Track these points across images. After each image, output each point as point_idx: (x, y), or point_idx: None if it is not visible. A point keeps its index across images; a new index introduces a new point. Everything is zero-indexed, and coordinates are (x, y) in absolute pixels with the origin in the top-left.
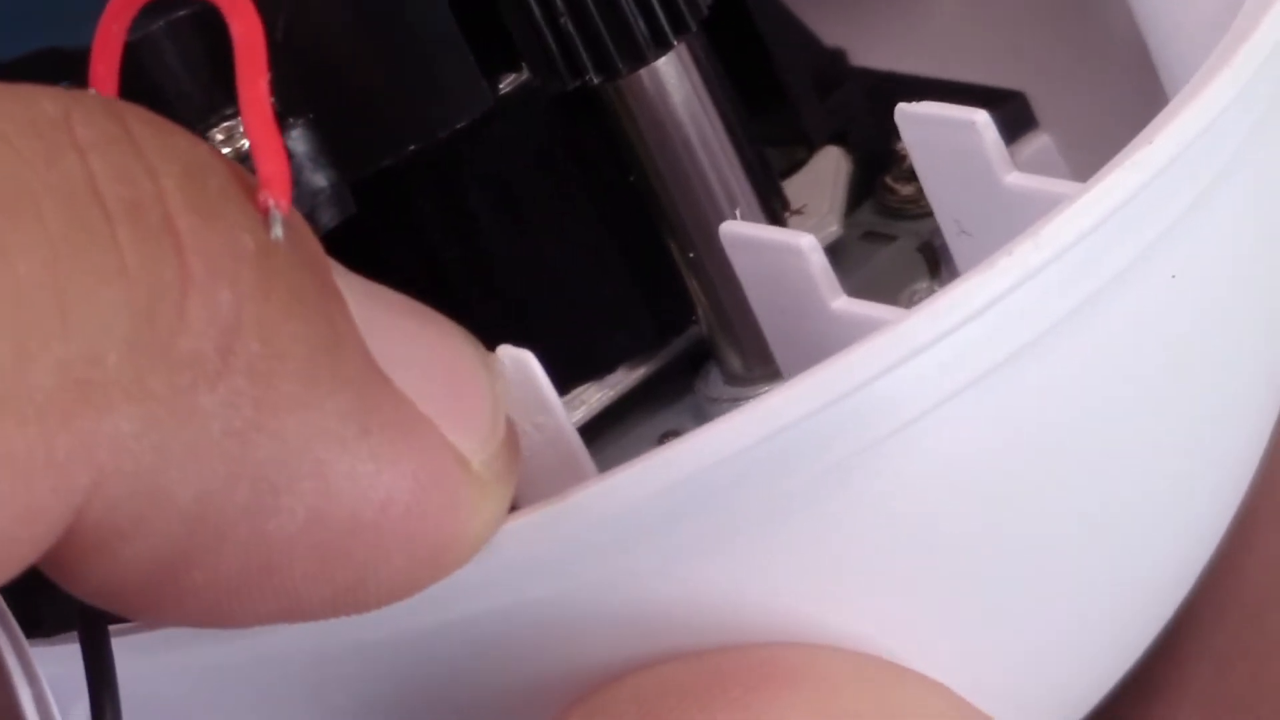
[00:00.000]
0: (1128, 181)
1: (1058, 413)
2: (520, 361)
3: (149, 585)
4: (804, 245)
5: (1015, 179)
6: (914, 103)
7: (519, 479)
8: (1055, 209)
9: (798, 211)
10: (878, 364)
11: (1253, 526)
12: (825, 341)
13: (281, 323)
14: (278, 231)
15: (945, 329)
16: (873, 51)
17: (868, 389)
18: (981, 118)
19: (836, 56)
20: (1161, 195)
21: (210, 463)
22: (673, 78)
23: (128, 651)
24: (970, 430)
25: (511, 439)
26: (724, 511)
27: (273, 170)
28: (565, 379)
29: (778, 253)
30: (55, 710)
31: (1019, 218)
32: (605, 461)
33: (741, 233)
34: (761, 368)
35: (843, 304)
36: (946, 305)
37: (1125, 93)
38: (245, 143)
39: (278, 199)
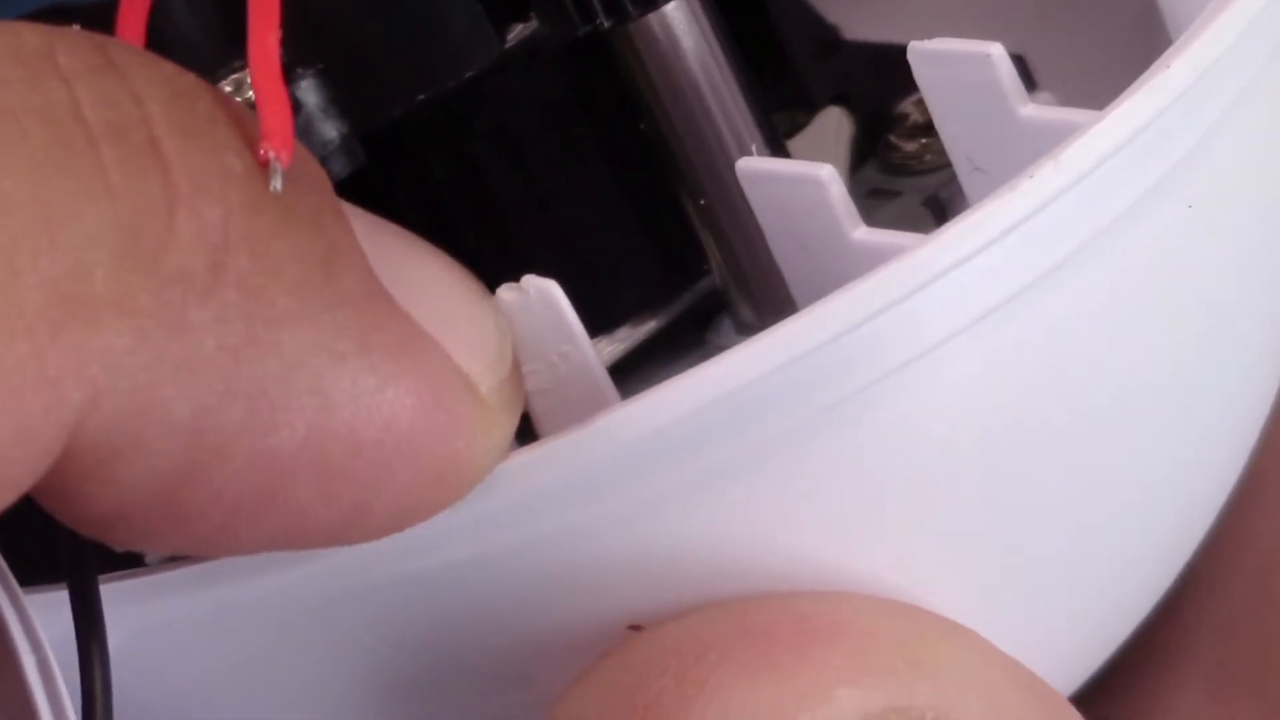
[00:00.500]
0: (1146, 106)
1: (1076, 341)
2: (545, 291)
3: (150, 508)
4: (824, 175)
5: (1031, 110)
6: (927, 40)
7: (545, 408)
8: (1073, 136)
9: None
10: (897, 289)
11: (1259, 489)
12: (847, 273)
13: (273, 238)
14: (277, 184)
15: (966, 253)
16: (871, 24)
17: (888, 314)
18: (996, 50)
19: (836, 29)
20: (1178, 122)
21: (205, 378)
22: (682, 23)
23: (125, 599)
24: (992, 358)
25: (517, 373)
26: (746, 438)
27: (276, 123)
28: None
29: (797, 184)
30: (60, 680)
31: (1035, 150)
32: None
33: (759, 168)
34: (774, 317)
35: (863, 234)
36: (967, 229)
37: (1124, 53)
38: (253, 94)
39: (279, 151)
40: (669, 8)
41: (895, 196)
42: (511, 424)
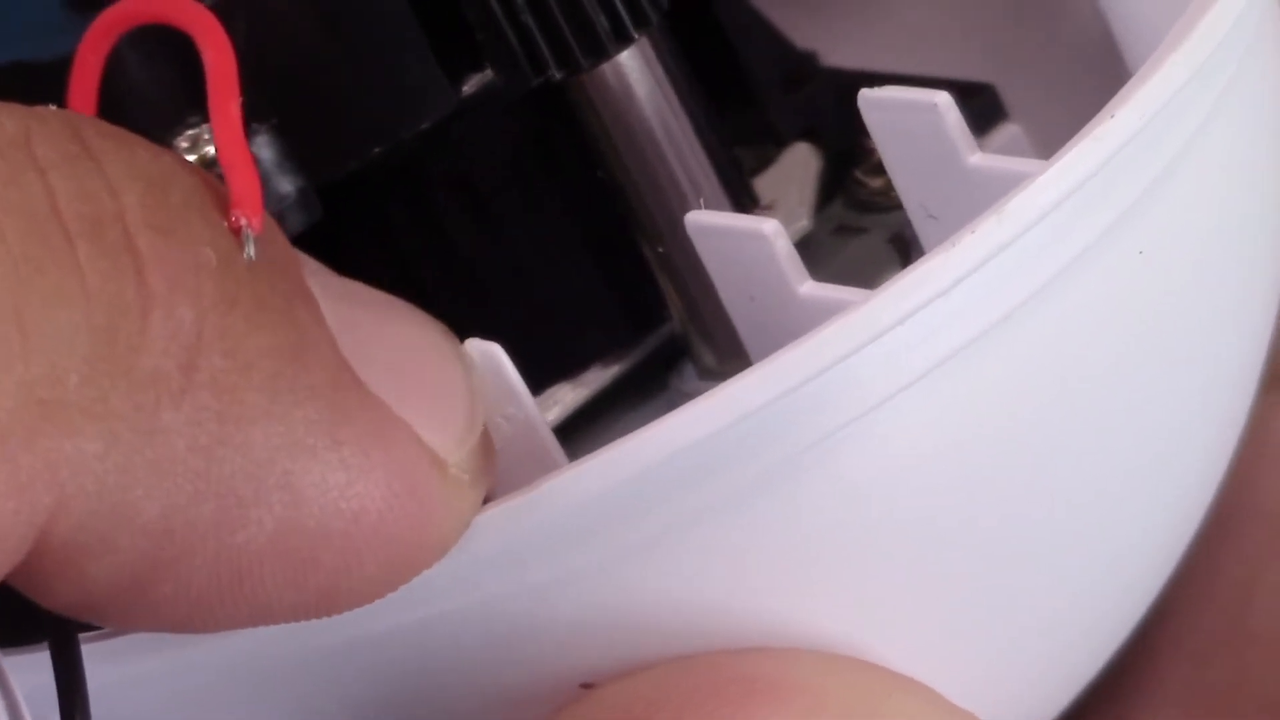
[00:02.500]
0: (1090, 155)
1: (1026, 393)
2: (488, 354)
3: (118, 598)
4: (768, 230)
5: (979, 159)
6: (877, 88)
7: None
8: (1019, 185)
9: (767, 207)
10: (842, 346)
11: (1229, 519)
12: (795, 327)
13: (246, 334)
14: (250, 251)
15: (910, 309)
16: (841, 50)
17: (833, 371)
18: (943, 99)
19: (807, 57)
20: (1125, 169)
21: (175, 479)
22: (635, 71)
23: (100, 659)
24: (938, 412)
25: (487, 437)
26: (692, 498)
27: (245, 189)
28: (539, 378)
29: (742, 239)
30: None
31: (985, 199)
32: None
33: (706, 221)
34: (735, 361)
35: (810, 288)
36: (911, 284)
37: (1092, 81)
38: (210, 149)
39: (250, 218)
40: (622, 57)
41: (861, 233)
42: (480, 492)
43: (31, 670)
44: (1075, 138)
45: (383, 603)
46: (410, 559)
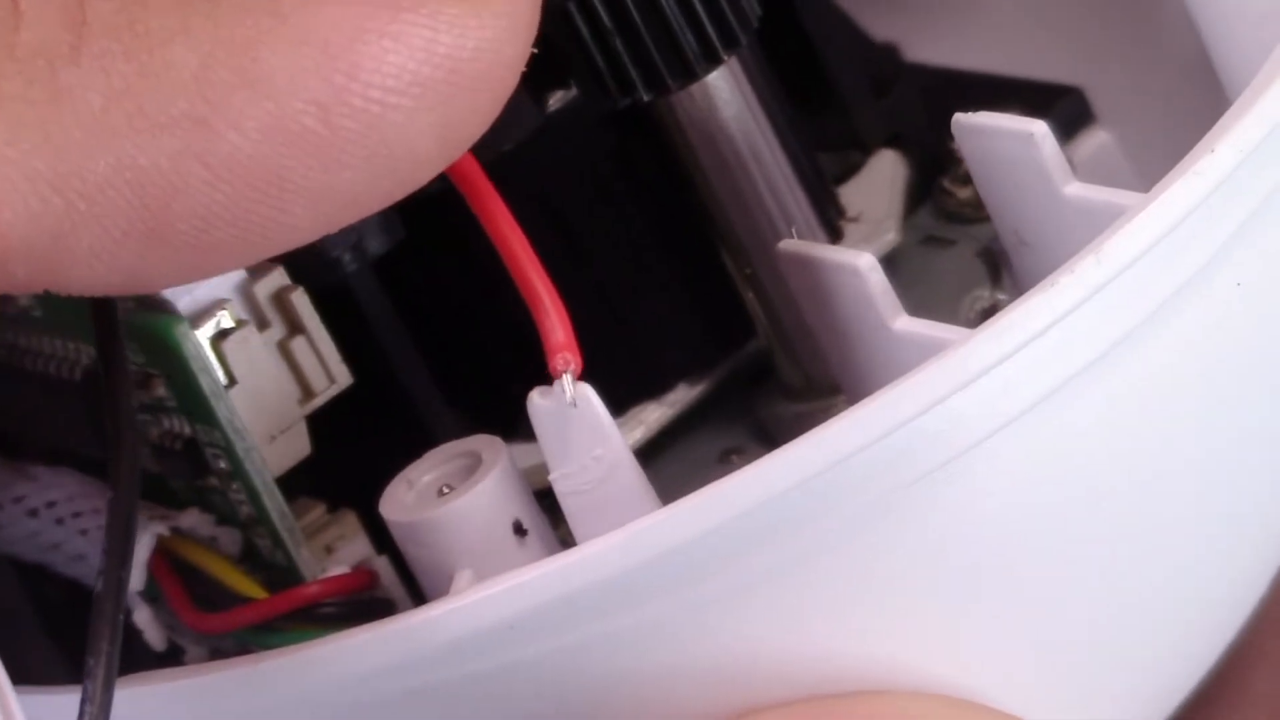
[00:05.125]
0: (1191, 192)
1: (1126, 429)
2: (580, 394)
3: (141, 254)
4: (862, 265)
5: (1075, 190)
6: (971, 112)
7: (581, 509)
8: (1117, 221)
9: (854, 219)
10: (941, 388)
11: None
12: (887, 360)
13: None
14: (571, 395)
15: (1008, 350)
16: (927, 45)
17: (930, 414)
18: (1039, 128)
19: (889, 52)
20: (1225, 203)
21: (108, 128)
22: (724, 92)
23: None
24: (1036, 450)
25: None
26: (789, 542)
27: (566, 334)
28: (623, 398)
29: (836, 272)
30: None
31: (1080, 229)
32: (666, 480)
33: (799, 251)
34: (822, 382)
35: (904, 324)
36: (1008, 326)
37: (1184, 88)
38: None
39: (576, 362)
40: (711, 78)
41: (950, 245)
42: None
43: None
44: (1174, 171)
45: (468, 644)
46: (452, 85)
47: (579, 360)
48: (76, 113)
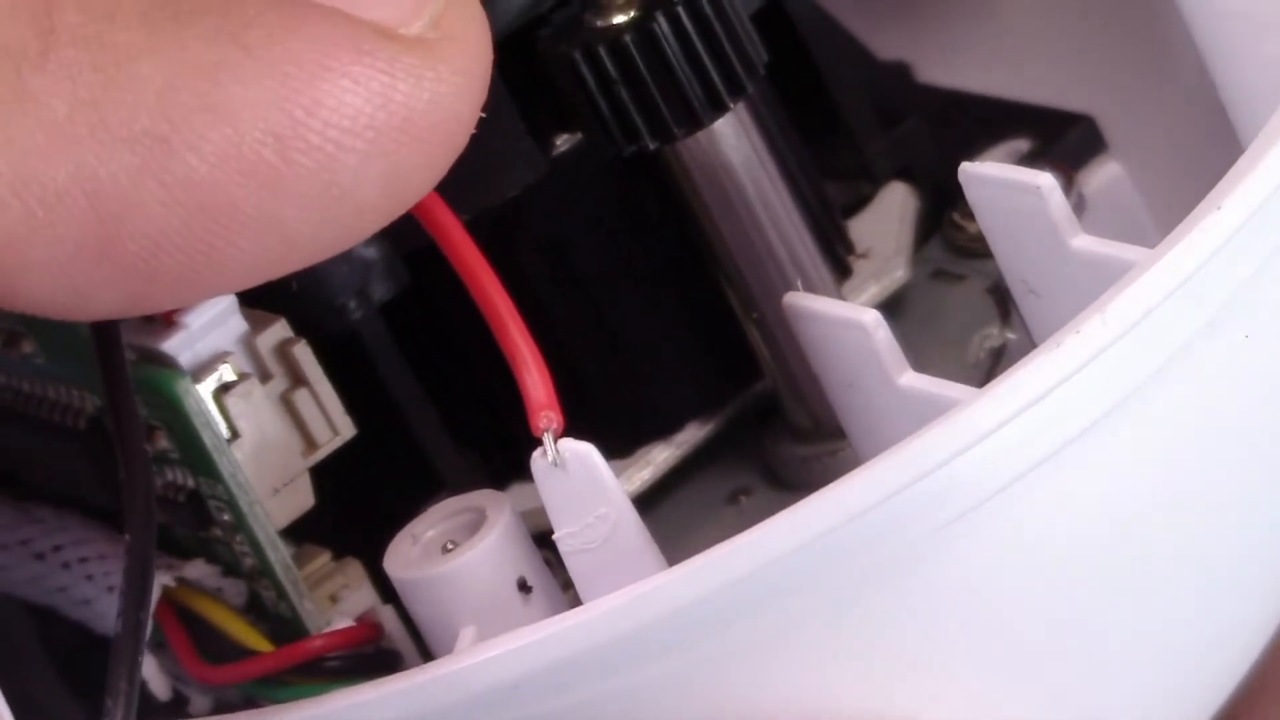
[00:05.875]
0: (1196, 249)
1: (1134, 483)
2: (581, 455)
3: (89, 271)
4: (868, 321)
5: (1082, 243)
6: (978, 162)
7: (585, 568)
8: (1123, 279)
9: (863, 255)
10: (948, 449)
11: None
12: (893, 414)
13: None
14: (554, 455)
15: (1014, 411)
16: (939, 66)
17: (937, 473)
18: (1046, 181)
19: (900, 72)
20: (1232, 259)
21: (70, 137)
22: (730, 138)
23: None
24: (1041, 508)
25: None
26: (798, 599)
27: (547, 392)
28: (631, 439)
29: (842, 327)
30: None
31: (1087, 281)
32: (675, 521)
33: (805, 305)
34: (829, 424)
35: (910, 380)
36: (1013, 387)
37: (1194, 113)
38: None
39: (558, 421)
40: (717, 124)
41: (959, 280)
42: (472, 48)
43: None
44: (1180, 228)
45: (471, 702)
46: (408, 132)
47: (561, 419)
48: (40, 118)
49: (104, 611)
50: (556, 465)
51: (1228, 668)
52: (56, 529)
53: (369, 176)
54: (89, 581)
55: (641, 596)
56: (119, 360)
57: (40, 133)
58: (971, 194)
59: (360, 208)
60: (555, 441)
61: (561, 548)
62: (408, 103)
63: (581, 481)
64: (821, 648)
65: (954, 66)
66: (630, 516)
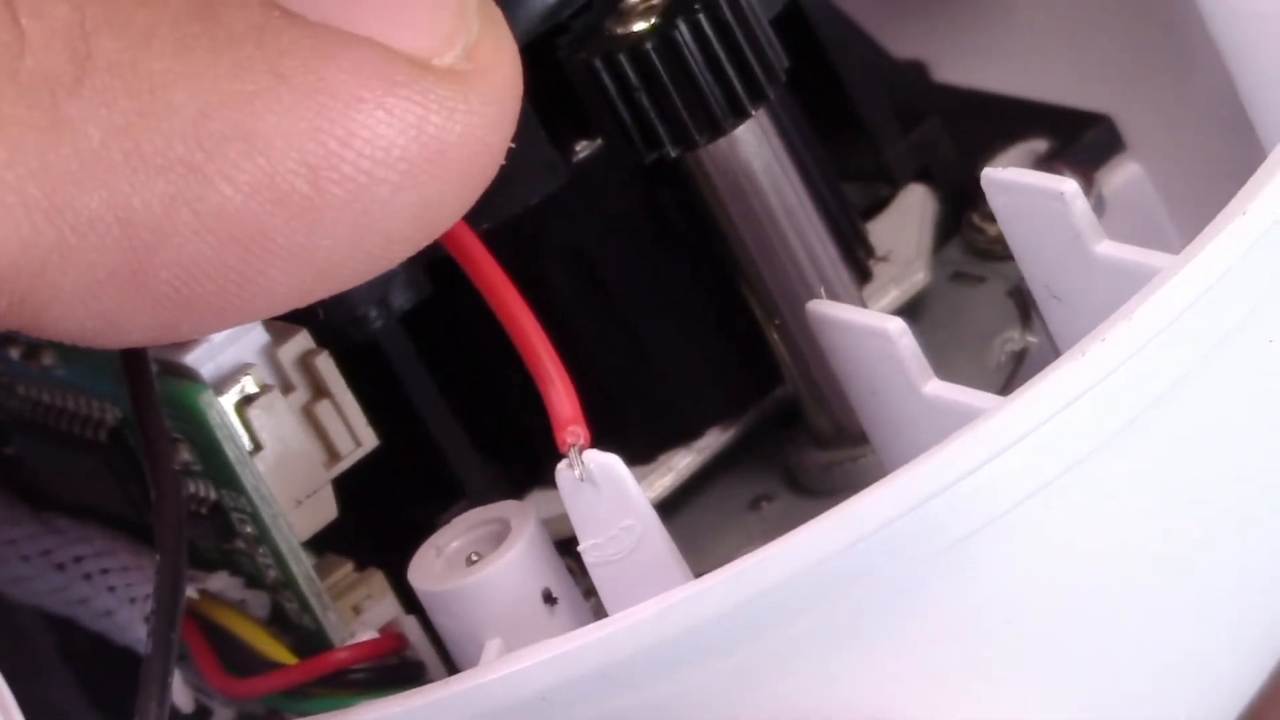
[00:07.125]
0: (1223, 254)
1: (1159, 489)
2: (606, 467)
3: (120, 300)
4: (892, 330)
5: (1106, 249)
6: (1000, 168)
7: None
8: (1148, 286)
9: (883, 258)
10: (974, 458)
11: None
12: (917, 422)
13: (135, 10)
14: (579, 469)
15: (1039, 420)
16: (957, 66)
17: (964, 482)
18: (1069, 187)
19: (917, 72)
20: (1257, 263)
21: (104, 165)
22: (752, 145)
23: None
24: (1067, 516)
25: (497, 27)
26: (826, 610)
27: (572, 408)
28: (653, 445)
29: (866, 335)
30: None
31: (1111, 288)
32: (697, 527)
33: (829, 313)
34: (851, 430)
35: (934, 388)
36: (1039, 395)
37: (1214, 112)
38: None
39: (585, 436)
40: (738, 131)
41: (979, 283)
42: (503, 80)
43: None
44: (1204, 233)
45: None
46: (440, 164)
47: (588, 434)
48: (75, 144)
49: (125, 623)
50: (583, 479)
51: (1253, 673)
52: (78, 540)
53: (400, 207)
54: (110, 593)
55: (668, 608)
56: (147, 378)
57: (75, 159)
58: (994, 199)
59: (390, 238)
60: (581, 457)
61: (587, 559)
62: (440, 135)
63: (607, 494)
64: (848, 658)
65: (970, 66)
66: (656, 528)
